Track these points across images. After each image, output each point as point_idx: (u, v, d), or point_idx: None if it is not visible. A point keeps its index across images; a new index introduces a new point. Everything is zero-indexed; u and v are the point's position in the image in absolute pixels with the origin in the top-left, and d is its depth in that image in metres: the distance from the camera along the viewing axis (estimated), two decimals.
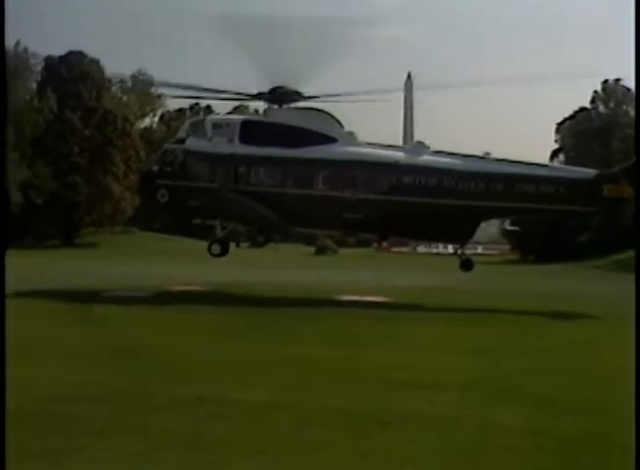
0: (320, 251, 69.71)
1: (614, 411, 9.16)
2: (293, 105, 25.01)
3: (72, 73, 69.83)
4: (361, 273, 31.07)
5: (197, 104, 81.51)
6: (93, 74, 71.41)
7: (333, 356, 12.90)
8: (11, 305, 17.13)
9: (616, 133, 70.36)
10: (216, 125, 24.97)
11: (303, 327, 16.85)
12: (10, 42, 65.25)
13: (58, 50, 72.88)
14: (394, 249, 76.67)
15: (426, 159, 23.83)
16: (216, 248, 24.73)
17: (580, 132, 72.84)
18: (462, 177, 23.19)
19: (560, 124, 77.21)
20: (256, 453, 7.39)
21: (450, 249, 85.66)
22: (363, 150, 24.25)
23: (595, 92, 75.91)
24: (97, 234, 69.99)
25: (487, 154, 24.86)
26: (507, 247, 74.84)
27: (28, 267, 34.21)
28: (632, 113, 75.07)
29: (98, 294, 22.91)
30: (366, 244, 73.28)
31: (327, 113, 25.25)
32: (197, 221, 25.76)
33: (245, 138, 24.27)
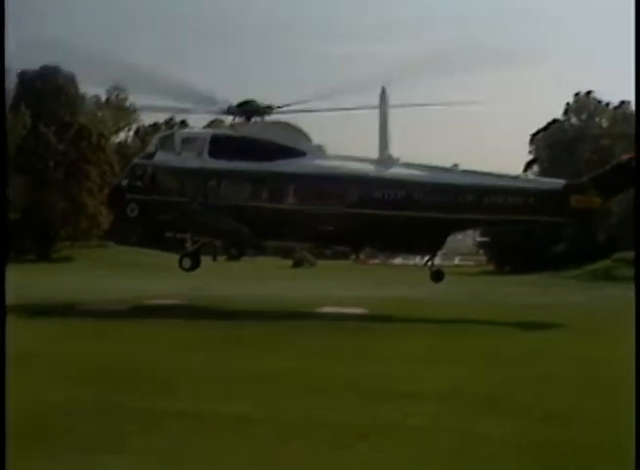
0: (297, 263, 69.68)
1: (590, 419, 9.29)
2: (261, 119, 25.10)
3: (47, 88, 69.51)
4: (338, 285, 31.13)
5: (171, 118, 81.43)
6: (67, 89, 71.13)
7: (308, 369, 12.95)
8: None
9: (588, 145, 71.25)
10: (185, 140, 25.08)
11: (281, 340, 16.88)
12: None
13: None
14: (371, 261, 76.89)
15: (394, 171, 24.02)
16: (187, 262, 24.77)
17: (554, 143, 73.70)
18: (430, 189, 23.38)
19: (534, 136, 78.07)
20: (236, 465, 7.42)
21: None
22: (332, 163, 24.37)
23: (567, 104, 76.93)
24: (73, 248, 69.47)
25: (456, 165, 25.05)
26: (483, 258, 75.40)
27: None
28: (604, 124, 76.22)
29: (73, 307, 22.80)
30: (343, 256, 73.42)
31: (295, 126, 25.39)
32: (168, 235, 25.70)
33: (214, 152, 24.37)
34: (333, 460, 7.67)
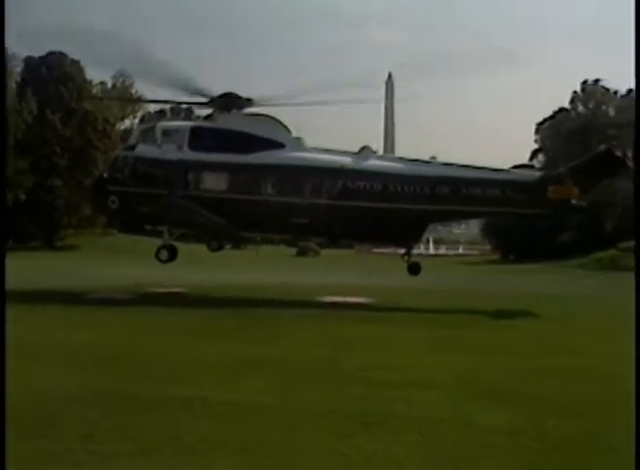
0: (302, 252, 69.65)
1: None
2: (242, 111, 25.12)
3: (53, 74, 69.52)
4: (342, 274, 31.19)
5: (178, 104, 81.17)
6: (73, 75, 71.11)
7: (315, 358, 13.04)
8: None
9: (595, 134, 70.95)
10: (166, 132, 25.15)
11: (285, 328, 16.96)
12: None
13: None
14: (375, 250, 76.90)
15: (371, 163, 24.13)
16: (164, 254, 24.89)
17: (560, 133, 73.41)
18: (407, 181, 23.47)
19: (540, 125, 77.75)
20: (240, 453, 7.50)
21: (431, 250, 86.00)
22: (310, 155, 24.50)
23: (574, 92, 76.53)
24: (77, 236, 69.63)
25: (433, 158, 25.17)
26: (488, 247, 75.31)
27: (12, 270, 34.06)
28: (611, 113, 75.85)
29: (81, 296, 22.94)
30: (348, 246, 73.33)
31: (275, 118, 25.53)
32: (147, 227, 25.76)
33: (194, 144, 24.45)
34: (337, 449, 7.73)
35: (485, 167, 23.89)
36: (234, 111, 25.04)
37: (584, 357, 13.54)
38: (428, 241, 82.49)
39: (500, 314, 20.55)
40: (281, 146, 24.56)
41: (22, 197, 63.72)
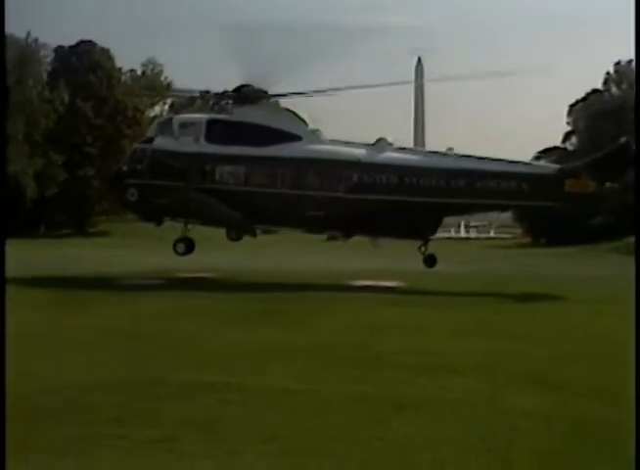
0: (332, 237, 69.48)
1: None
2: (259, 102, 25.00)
3: (83, 63, 69.93)
4: (373, 259, 31.02)
5: (207, 92, 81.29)
6: (103, 63, 71.48)
7: (346, 342, 12.95)
8: (28, 295, 17.26)
9: (629, 115, 69.72)
10: (183, 125, 25.15)
11: (317, 312, 16.87)
12: (21, 33, 65.81)
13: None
14: None
15: (387, 156, 23.92)
16: (181, 246, 25.06)
17: (593, 114, 72.29)
18: (423, 174, 23.28)
19: (572, 106, 76.62)
20: (271, 439, 7.41)
21: (462, 233, 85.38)
22: (326, 148, 24.34)
23: (607, 73, 75.29)
24: (109, 223, 70.19)
25: (450, 149, 24.86)
26: (519, 231, 74.58)
27: (42, 257, 34.42)
28: None
29: (112, 282, 23.09)
30: None
31: (291, 111, 25.45)
32: (166, 219, 25.77)
33: (210, 137, 24.43)
34: (372, 433, 7.62)
35: (503, 160, 23.63)
36: (250, 103, 24.84)
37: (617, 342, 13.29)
38: (459, 225, 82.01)
39: (529, 298, 20.32)
40: (297, 138, 24.44)
41: (55, 189, 64.48)
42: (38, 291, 20.12)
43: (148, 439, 7.34)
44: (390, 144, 24.44)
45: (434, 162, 23.80)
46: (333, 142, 24.74)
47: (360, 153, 24.06)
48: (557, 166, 23.66)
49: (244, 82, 25.02)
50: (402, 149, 24.31)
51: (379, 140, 24.40)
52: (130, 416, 8.11)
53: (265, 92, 25.15)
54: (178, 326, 14.73)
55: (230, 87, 25.26)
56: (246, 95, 24.92)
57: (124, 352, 11.82)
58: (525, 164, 23.78)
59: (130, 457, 6.89)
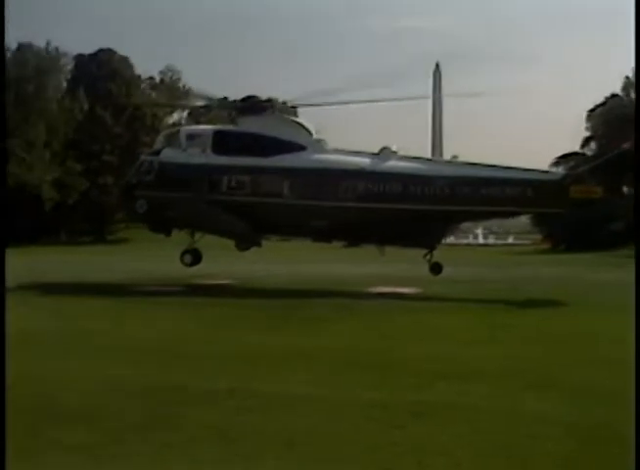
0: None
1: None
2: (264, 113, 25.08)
3: (102, 71, 70.48)
4: (389, 265, 31.00)
5: (225, 98, 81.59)
6: (122, 71, 72.01)
7: (363, 348, 13.01)
8: (52, 303, 17.43)
9: None
10: (190, 136, 25.28)
11: (334, 319, 16.92)
12: (41, 42, 66.59)
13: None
14: None
15: (391, 164, 23.95)
16: (188, 258, 25.23)
17: (612, 119, 71.85)
18: (427, 182, 23.31)
19: (591, 111, 76.22)
20: (288, 445, 7.46)
21: (480, 239, 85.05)
22: (330, 157, 24.41)
23: (626, 78, 74.82)
24: (128, 230, 70.55)
25: (455, 157, 24.93)
26: (538, 236, 74.24)
27: (62, 263, 34.70)
28: None
29: (130, 288, 23.26)
30: None
31: (296, 121, 25.67)
32: (174, 230, 25.93)
33: (217, 148, 24.56)
34: (388, 439, 7.66)
35: (508, 167, 23.60)
36: (256, 114, 24.98)
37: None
38: (477, 230, 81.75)
39: (546, 304, 20.25)
40: (302, 148, 24.54)
41: (75, 197, 64.97)
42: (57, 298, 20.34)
43: (166, 443, 7.43)
44: (395, 152, 24.50)
45: (438, 170, 23.92)
46: (337, 151, 24.87)
47: (364, 162, 24.16)
48: (562, 172, 23.60)
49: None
50: (406, 157, 24.36)
51: (383, 149, 24.50)
52: (149, 422, 8.21)
53: (271, 101, 25.33)
54: (191, 332, 14.87)
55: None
56: (252, 105, 25.13)
57: (136, 358, 11.93)
58: (529, 170, 23.68)
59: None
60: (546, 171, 25.16)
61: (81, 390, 9.65)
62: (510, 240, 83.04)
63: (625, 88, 75.17)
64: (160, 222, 25.35)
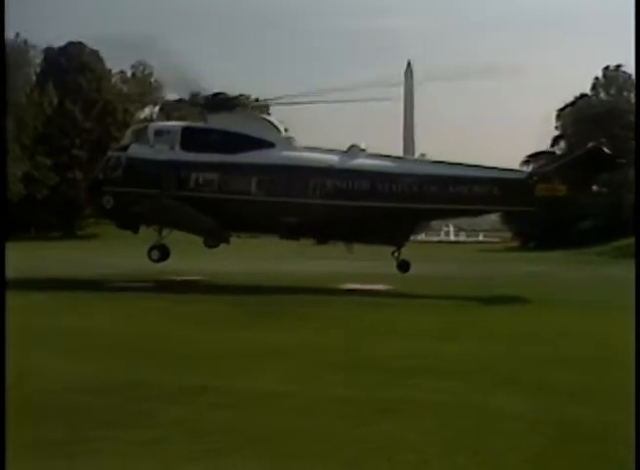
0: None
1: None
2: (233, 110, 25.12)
3: (72, 64, 69.82)
4: (360, 262, 31.10)
5: (197, 94, 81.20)
6: (92, 65, 71.38)
7: (333, 345, 13.04)
8: (20, 299, 17.26)
9: (617, 120, 70.17)
10: (158, 132, 25.24)
11: (305, 315, 16.95)
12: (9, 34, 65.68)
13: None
14: None
15: (359, 162, 24.09)
16: (155, 253, 25.10)
17: (581, 119, 72.62)
18: (395, 180, 23.48)
19: (560, 111, 76.97)
20: (258, 441, 7.48)
21: (452, 237, 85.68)
22: (299, 154, 24.46)
23: (596, 78, 75.67)
24: (97, 226, 70.03)
25: (423, 155, 25.15)
26: (508, 234, 74.90)
27: (32, 259, 34.35)
28: (633, 99, 74.94)
29: (102, 284, 23.11)
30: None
31: (265, 118, 25.78)
32: (141, 226, 25.80)
33: (185, 145, 24.52)
34: (357, 435, 7.70)
35: (475, 165, 23.82)
36: (225, 111, 24.97)
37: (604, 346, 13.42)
38: (448, 228, 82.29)
39: (514, 300, 20.47)
40: (271, 145, 24.58)
41: (45, 192, 64.33)
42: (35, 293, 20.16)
43: (136, 441, 7.41)
44: (363, 150, 24.59)
45: (406, 168, 24.08)
46: (306, 149, 24.92)
47: (333, 159, 24.22)
48: (528, 171, 23.84)
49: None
50: (375, 155, 24.43)
51: (351, 147, 24.57)
52: (118, 418, 8.18)
53: (239, 98, 25.42)
54: (163, 328, 14.80)
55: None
56: (220, 102, 25.05)
57: (105, 355, 11.87)
58: (496, 169, 23.88)
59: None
60: (513, 170, 25.40)
61: (48, 387, 9.58)
62: (480, 237, 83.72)
63: (594, 88, 76.00)
64: (128, 219, 25.16)
